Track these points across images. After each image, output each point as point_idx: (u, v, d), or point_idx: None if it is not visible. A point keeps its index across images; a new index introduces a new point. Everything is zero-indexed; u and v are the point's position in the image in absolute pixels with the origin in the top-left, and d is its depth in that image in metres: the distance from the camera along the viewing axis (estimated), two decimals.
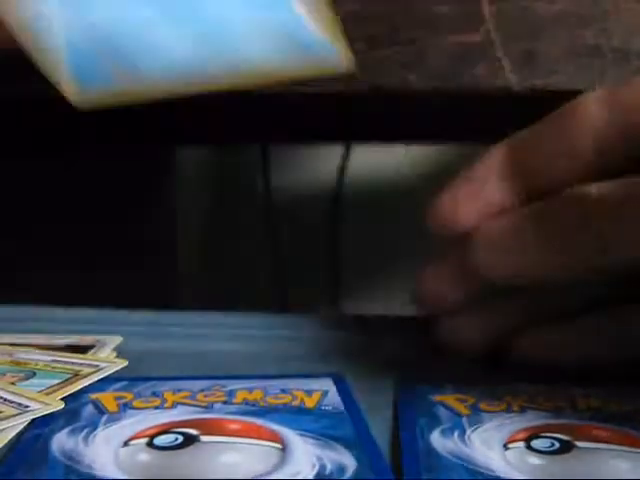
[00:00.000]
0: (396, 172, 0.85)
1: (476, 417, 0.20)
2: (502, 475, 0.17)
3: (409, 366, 0.24)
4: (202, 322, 0.28)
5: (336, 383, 0.22)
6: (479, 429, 0.19)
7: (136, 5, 0.21)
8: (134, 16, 0.21)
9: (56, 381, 0.22)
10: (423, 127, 0.56)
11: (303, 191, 0.88)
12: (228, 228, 0.89)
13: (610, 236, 0.19)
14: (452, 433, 0.19)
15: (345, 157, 0.82)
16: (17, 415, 0.20)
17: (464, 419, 0.20)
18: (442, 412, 0.20)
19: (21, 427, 0.19)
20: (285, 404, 0.21)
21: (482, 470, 0.17)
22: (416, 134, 0.63)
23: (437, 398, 0.21)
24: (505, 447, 0.18)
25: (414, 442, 0.19)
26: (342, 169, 0.83)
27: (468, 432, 0.19)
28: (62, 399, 0.21)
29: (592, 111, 0.21)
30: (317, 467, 0.17)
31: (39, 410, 0.20)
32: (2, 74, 0.30)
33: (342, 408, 0.21)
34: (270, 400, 0.21)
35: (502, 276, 0.22)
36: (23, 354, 0.24)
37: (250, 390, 0.21)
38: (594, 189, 0.19)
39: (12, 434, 0.19)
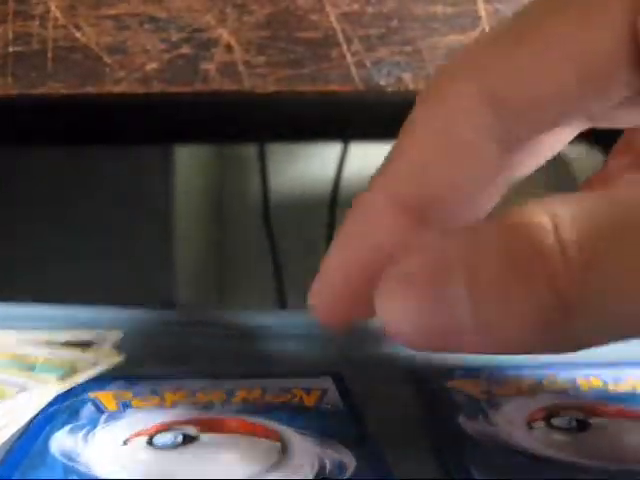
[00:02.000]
0: None
1: (492, 400, 0.21)
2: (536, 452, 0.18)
3: (409, 364, 0.24)
4: (200, 320, 0.28)
5: (335, 382, 0.22)
6: (500, 410, 0.20)
7: None
8: None
9: (54, 375, 0.22)
10: None
11: (301, 191, 0.88)
12: (226, 227, 0.89)
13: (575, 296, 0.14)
14: (476, 416, 0.20)
15: (342, 157, 0.82)
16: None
17: (482, 403, 0.21)
18: (460, 397, 0.21)
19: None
20: (284, 403, 0.21)
21: (516, 449, 0.18)
22: None
23: (450, 384, 0.22)
24: (529, 426, 0.19)
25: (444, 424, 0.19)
26: (339, 168, 0.83)
27: (490, 414, 0.20)
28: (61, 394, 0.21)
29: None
30: (317, 466, 0.17)
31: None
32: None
33: (342, 407, 0.21)
34: (269, 399, 0.21)
35: (416, 347, 0.15)
36: (23, 349, 0.24)
37: (249, 389, 0.22)
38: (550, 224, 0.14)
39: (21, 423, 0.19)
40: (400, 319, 0.15)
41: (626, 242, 0.13)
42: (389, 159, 0.18)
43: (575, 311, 0.14)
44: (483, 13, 0.30)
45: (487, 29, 0.30)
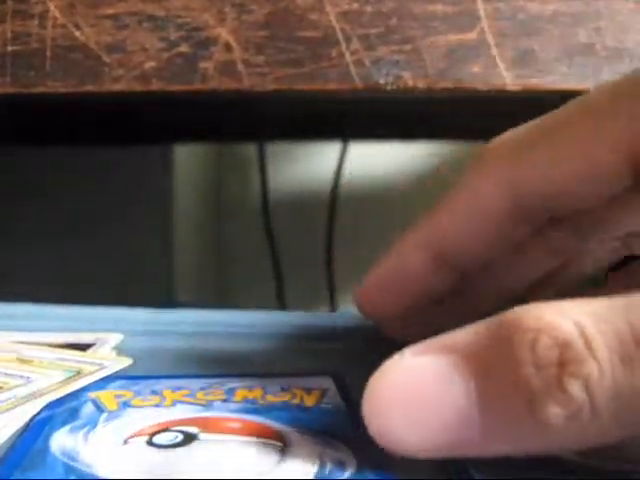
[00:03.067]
0: (393, 170, 0.85)
1: None
2: None
3: None
4: (200, 320, 0.28)
5: (336, 381, 0.22)
6: None
7: None
8: None
9: (60, 378, 0.22)
10: (418, 125, 0.57)
11: (300, 190, 0.88)
12: (226, 227, 0.89)
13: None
14: None
15: (342, 156, 0.82)
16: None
17: None
18: None
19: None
20: (285, 402, 0.21)
21: None
22: (412, 133, 0.64)
23: None
24: None
25: None
26: (339, 167, 0.83)
27: None
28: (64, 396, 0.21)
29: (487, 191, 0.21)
30: (317, 465, 0.17)
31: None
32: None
33: (342, 407, 0.21)
34: (270, 398, 0.21)
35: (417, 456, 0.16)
36: (28, 351, 0.24)
37: (250, 388, 0.22)
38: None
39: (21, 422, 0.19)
40: (402, 436, 0.16)
41: None
42: (428, 216, 0.22)
43: (600, 413, 0.14)
44: (482, 12, 0.30)
45: (486, 28, 0.30)
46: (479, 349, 0.15)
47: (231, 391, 0.21)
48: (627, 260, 0.24)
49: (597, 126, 0.19)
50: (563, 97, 0.23)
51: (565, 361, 0.14)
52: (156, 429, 0.19)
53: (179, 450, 0.18)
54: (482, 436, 0.15)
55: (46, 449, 0.18)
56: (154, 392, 0.21)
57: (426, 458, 0.16)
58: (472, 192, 0.21)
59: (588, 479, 0.17)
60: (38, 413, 0.20)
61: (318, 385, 0.22)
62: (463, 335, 0.15)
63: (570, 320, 0.14)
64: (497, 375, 0.15)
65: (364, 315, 0.24)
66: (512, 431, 0.15)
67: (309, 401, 0.21)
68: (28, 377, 0.22)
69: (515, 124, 0.24)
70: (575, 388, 0.14)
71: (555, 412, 0.14)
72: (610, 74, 0.29)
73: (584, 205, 0.21)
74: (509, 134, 0.21)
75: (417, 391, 0.15)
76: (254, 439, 0.19)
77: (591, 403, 0.14)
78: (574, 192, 0.20)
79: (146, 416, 0.20)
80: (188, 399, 0.21)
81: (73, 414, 0.20)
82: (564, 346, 0.14)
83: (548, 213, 0.21)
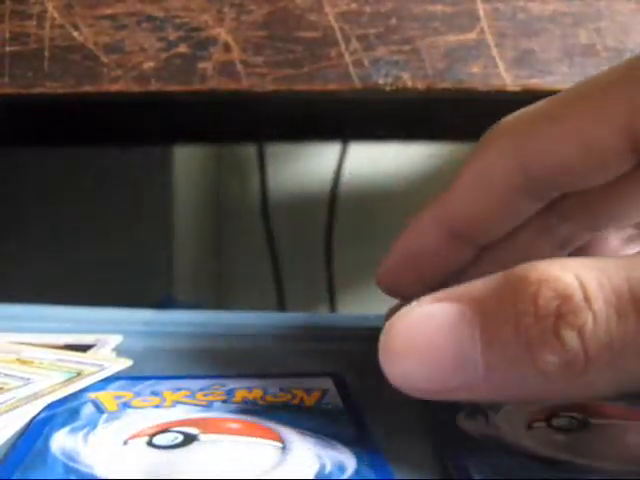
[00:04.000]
0: (393, 170, 0.85)
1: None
2: (537, 452, 0.18)
3: None
4: (200, 321, 0.28)
5: (336, 382, 0.22)
6: (500, 411, 0.20)
7: None
8: None
9: (60, 379, 0.22)
10: (418, 126, 0.57)
11: (300, 190, 0.88)
12: (225, 227, 0.89)
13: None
14: (476, 416, 0.20)
15: (341, 156, 0.82)
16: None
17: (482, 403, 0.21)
18: None
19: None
20: (285, 403, 0.21)
21: (516, 449, 0.18)
22: (411, 133, 0.64)
23: None
24: (529, 427, 0.19)
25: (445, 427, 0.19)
26: (338, 168, 0.83)
27: (490, 414, 0.20)
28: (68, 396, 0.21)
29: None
30: (317, 466, 0.17)
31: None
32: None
33: (342, 407, 0.21)
34: (269, 399, 0.21)
35: (424, 395, 0.17)
36: (28, 352, 0.24)
37: (250, 389, 0.22)
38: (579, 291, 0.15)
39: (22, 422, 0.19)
40: (413, 376, 0.17)
41: None
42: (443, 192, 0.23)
43: (594, 363, 0.15)
44: (482, 12, 0.30)
45: (486, 28, 0.30)
46: (487, 299, 0.16)
47: (231, 392, 0.21)
48: None
49: (597, 106, 0.20)
50: None
51: (563, 312, 0.15)
52: (156, 430, 0.19)
53: (179, 451, 0.18)
54: (485, 381, 0.16)
55: (46, 450, 0.18)
56: (154, 393, 0.21)
57: (436, 399, 0.17)
58: (482, 165, 0.22)
59: (588, 479, 0.17)
60: (38, 414, 0.20)
61: (318, 386, 0.22)
62: (474, 286, 0.16)
63: (571, 273, 0.15)
64: (500, 324, 0.15)
65: (388, 294, 0.24)
66: (512, 377, 0.16)
67: (309, 402, 0.21)
68: (28, 378, 0.22)
69: None
70: (570, 337, 0.15)
71: (551, 360, 0.15)
72: None
73: (588, 182, 0.21)
74: (518, 113, 0.22)
75: (428, 336, 0.16)
76: (254, 440, 0.19)
77: (585, 353, 0.15)
78: (577, 168, 0.20)
79: (146, 417, 0.20)
80: (188, 400, 0.21)
81: (73, 415, 0.20)
82: (563, 297, 0.15)
83: (556, 188, 0.21)
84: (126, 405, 0.20)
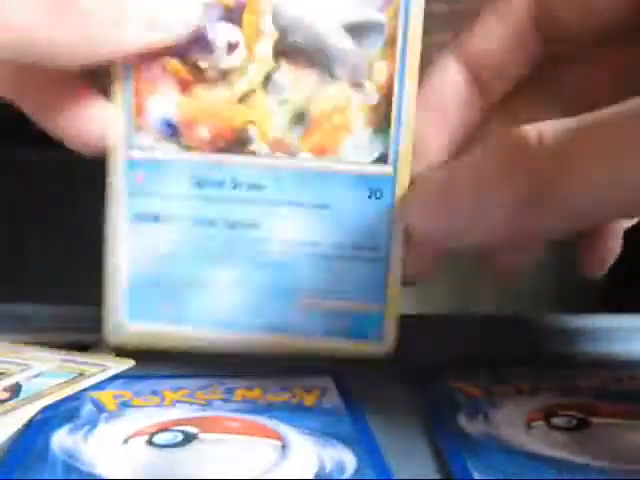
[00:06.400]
0: None
1: (492, 400, 0.21)
2: (536, 452, 0.18)
3: (407, 361, 0.24)
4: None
5: (336, 381, 0.22)
6: (500, 410, 0.20)
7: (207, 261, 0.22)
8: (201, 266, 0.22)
9: (62, 380, 0.22)
10: None
11: None
12: None
13: (545, 185, 0.18)
14: (476, 416, 0.20)
15: None
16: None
17: (482, 402, 0.21)
18: (460, 397, 0.21)
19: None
20: (284, 402, 0.21)
21: (516, 448, 0.18)
22: None
23: (450, 384, 0.22)
24: (528, 426, 0.19)
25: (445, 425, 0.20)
26: None
27: (490, 414, 0.20)
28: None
29: None
30: (317, 465, 0.17)
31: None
32: None
33: (342, 406, 0.21)
34: (269, 398, 0.21)
35: (435, 239, 0.21)
36: (29, 353, 0.24)
37: (249, 388, 0.22)
38: (534, 134, 0.18)
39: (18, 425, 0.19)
40: (418, 220, 0.21)
41: (591, 143, 0.17)
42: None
43: (545, 196, 0.18)
44: None
45: None
46: (474, 161, 0.20)
47: (231, 391, 0.21)
48: None
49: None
50: None
51: None
52: (156, 429, 0.19)
53: (179, 450, 0.18)
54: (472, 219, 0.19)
55: (46, 449, 0.18)
56: (154, 392, 0.21)
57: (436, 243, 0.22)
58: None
59: (587, 478, 0.17)
60: (38, 413, 0.20)
61: (318, 385, 0.22)
62: (474, 151, 0.20)
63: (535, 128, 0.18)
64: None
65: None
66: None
67: (309, 400, 0.21)
68: (26, 364, 0.22)
69: None
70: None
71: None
72: None
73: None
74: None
75: (435, 193, 0.20)
76: (254, 439, 0.19)
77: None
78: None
79: (146, 416, 0.20)
80: (188, 399, 0.21)
81: (73, 414, 0.20)
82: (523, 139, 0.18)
83: (568, 27, 0.23)
84: (126, 404, 0.20)
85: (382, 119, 0.22)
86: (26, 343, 0.25)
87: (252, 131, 0.22)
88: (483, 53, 0.23)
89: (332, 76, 0.21)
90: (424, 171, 0.22)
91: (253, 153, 0.22)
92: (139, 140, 0.22)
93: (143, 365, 0.23)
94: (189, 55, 0.21)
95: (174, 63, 0.21)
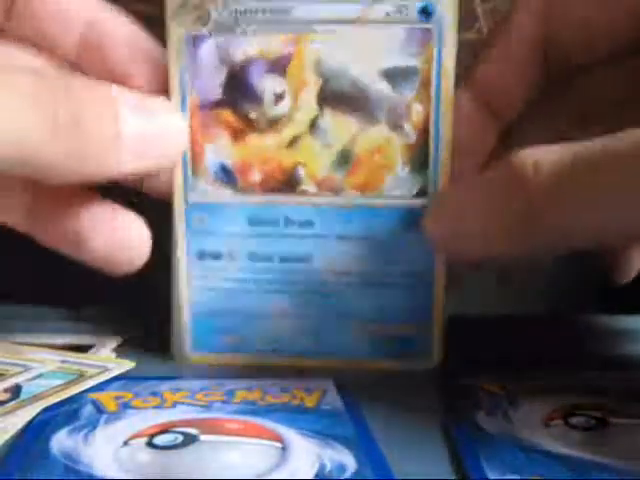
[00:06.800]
0: None
1: (512, 398, 0.21)
2: (554, 450, 0.18)
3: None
4: None
5: (336, 382, 0.22)
6: (519, 409, 0.20)
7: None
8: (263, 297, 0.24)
9: (62, 381, 0.22)
10: None
11: None
12: None
13: (540, 204, 0.19)
14: (495, 413, 0.20)
15: None
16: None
17: (502, 400, 0.21)
18: (481, 395, 0.21)
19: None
20: (285, 403, 0.21)
21: (533, 447, 0.18)
22: None
23: (474, 381, 0.22)
24: (546, 425, 0.20)
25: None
26: None
27: (509, 412, 0.20)
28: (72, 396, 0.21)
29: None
30: (317, 466, 0.17)
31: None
32: None
33: (342, 407, 0.21)
34: (270, 399, 0.21)
35: (451, 250, 0.22)
36: (30, 353, 0.24)
37: (249, 389, 0.22)
38: (531, 161, 0.19)
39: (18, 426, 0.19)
40: (437, 234, 0.22)
41: (583, 176, 0.18)
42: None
43: (540, 218, 0.19)
44: (480, 12, 0.30)
45: (484, 28, 0.30)
46: (487, 181, 0.21)
47: (231, 392, 0.21)
48: None
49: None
50: None
51: None
52: (156, 430, 0.19)
53: (179, 451, 0.18)
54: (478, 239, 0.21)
55: (46, 450, 0.18)
56: (154, 394, 0.21)
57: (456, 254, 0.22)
58: (509, 23, 0.23)
59: (605, 478, 0.17)
60: (38, 414, 0.20)
61: (318, 386, 0.22)
62: (483, 175, 0.21)
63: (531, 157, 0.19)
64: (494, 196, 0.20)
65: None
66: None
67: (309, 402, 0.21)
68: (25, 365, 0.22)
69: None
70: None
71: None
72: None
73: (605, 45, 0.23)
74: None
75: (446, 212, 0.22)
76: (254, 440, 0.19)
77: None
78: (599, 25, 0.23)
79: (146, 417, 0.20)
80: (188, 400, 0.21)
81: (73, 415, 0.20)
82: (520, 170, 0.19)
83: (573, 50, 0.23)
84: (126, 406, 0.20)
85: (421, 157, 0.23)
86: (26, 344, 0.25)
87: (301, 172, 0.23)
88: (491, 81, 0.24)
89: (372, 119, 0.23)
90: (443, 189, 0.23)
91: (303, 192, 0.23)
92: (198, 185, 0.23)
93: (143, 366, 0.23)
94: (240, 107, 0.23)
95: (227, 114, 0.23)
